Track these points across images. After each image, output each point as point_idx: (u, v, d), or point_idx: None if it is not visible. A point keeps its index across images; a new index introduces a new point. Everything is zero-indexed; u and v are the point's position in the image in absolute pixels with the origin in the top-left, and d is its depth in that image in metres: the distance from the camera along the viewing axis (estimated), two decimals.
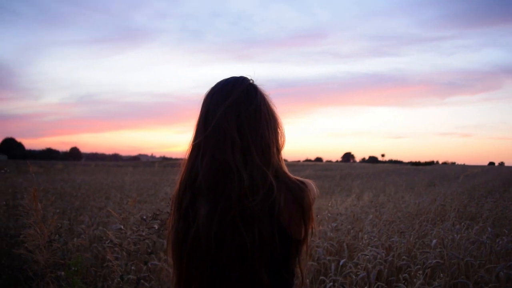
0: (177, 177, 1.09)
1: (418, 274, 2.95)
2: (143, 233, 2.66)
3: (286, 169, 1.10)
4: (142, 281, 2.36)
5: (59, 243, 3.75)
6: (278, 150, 1.10)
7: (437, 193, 12.22)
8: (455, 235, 4.23)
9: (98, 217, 5.58)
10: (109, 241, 2.63)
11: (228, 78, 1.12)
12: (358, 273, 3.07)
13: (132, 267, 3.07)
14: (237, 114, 1.03)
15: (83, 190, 11.30)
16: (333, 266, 3.05)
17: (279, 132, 1.12)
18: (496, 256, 3.55)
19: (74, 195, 9.79)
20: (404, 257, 3.67)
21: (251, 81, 1.11)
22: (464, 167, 54.71)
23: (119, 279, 2.32)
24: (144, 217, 2.79)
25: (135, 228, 3.32)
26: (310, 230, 1.07)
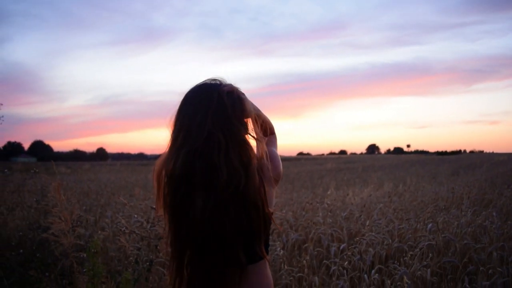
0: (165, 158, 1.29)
1: (411, 255, 3.13)
2: (152, 220, 2.94)
3: (260, 159, 1.31)
4: (153, 264, 2.63)
5: (85, 236, 4.10)
6: (259, 141, 1.32)
7: (459, 182, 12.14)
8: (461, 220, 4.36)
9: (122, 212, 5.93)
10: (124, 228, 2.93)
11: (208, 85, 1.32)
12: (364, 256, 3.27)
13: (151, 256, 3.38)
14: (222, 121, 1.25)
15: (108, 188, 11.78)
16: (333, 250, 3.27)
17: (257, 127, 1.34)
18: (490, 238, 3.68)
19: (100, 193, 10.25)
20: (409, 242, 3.84)
21: (226, 84, 1.32)
22: (491, 155, 53.43)
23: (134, 262, 2.60)
24: (154, 206, 3.06)
25: (156, 221, 3.65)
26: (271, 213, 1.30)
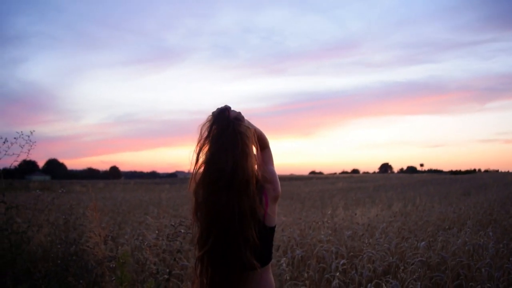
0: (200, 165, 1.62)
1: (403, 270, 3.40)
2: (171, 236, 3.29)
3: (259, 174, 1.64)
4: (171, 276, 2.95)
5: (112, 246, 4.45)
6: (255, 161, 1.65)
7: (468, 202, 12.22)
8: (459, 240, 4.61)
9: (138, 229, 6.28)
10: (147, 242, 3.28)
11: (224, 118, 1.65)
12: (360, 271, 3.55)
13: (167, 269, 3.71)
14: (245, 139, 1.58)
15: (124, 207, 12.17)
16: (333, 265, 3.56)
17: (255, 148, 1.67)
18: (479, 256, 3.93)
19: (116, 211, 10.63)
20: (408, 260, 4.09)
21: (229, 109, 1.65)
22: (506, 175, 52.76)
23: (155, 273, 2.93)
24: (173, 223, 3.43)
25: (170, 237, 4.01)
26: (273, 227, 1.61)
